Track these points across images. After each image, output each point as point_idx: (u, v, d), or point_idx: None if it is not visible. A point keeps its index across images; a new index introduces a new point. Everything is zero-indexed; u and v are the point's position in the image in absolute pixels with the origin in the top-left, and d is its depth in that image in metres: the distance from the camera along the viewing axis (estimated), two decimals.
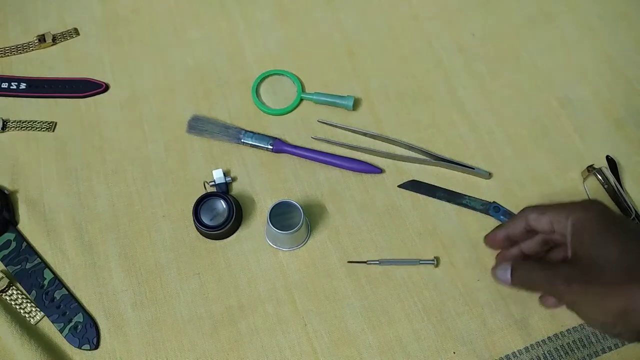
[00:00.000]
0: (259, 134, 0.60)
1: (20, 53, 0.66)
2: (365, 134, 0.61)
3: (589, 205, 0.43)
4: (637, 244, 0.40)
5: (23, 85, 0.64)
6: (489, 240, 0.51)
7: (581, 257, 0.41)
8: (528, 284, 0.45)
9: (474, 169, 0.59)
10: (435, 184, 0.59)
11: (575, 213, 0.43)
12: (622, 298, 0.39)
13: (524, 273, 0.45)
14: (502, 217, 0.57)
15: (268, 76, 0.65)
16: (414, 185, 0.59)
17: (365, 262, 0.55)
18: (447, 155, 0.60)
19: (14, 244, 0.56)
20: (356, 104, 0.63)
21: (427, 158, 0.60)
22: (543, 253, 0.49)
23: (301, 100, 0.63)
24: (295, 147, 0.60)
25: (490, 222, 0.57)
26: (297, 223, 0.52)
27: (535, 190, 0.59)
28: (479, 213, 0.58)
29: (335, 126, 0.61)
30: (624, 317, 0.39)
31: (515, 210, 0.58)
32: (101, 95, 0.64)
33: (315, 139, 0.61)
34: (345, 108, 0.62)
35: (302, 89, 0.64)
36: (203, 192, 0.58)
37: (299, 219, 0.52)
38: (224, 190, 0.58)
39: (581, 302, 0.42)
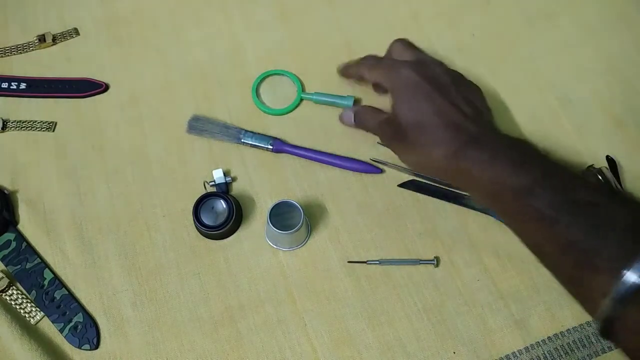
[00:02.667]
0: (259, 134, 0.60)
1: (20, 53, 0.66)
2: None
3: (402, 70, 0.51)
4: (440, 104, 0.49)
5: (23, 85, 0.64)
6: (341, 73, 0.62)
7: (395, 114, 0.51)
8: (364, 125, 0.57)
9: None
10: (435, 184, 0.59)
11: (392, 75, 0.52)
12: (416, 155, 0.50)
13: (360, 117, 0.58)
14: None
15: (268, 76, 0.65)
16: (414, 185, 0.59)
17: (365, 262, 0.55)
18: None
19: (14, 244, 0.56)
20: (356, 104, 0.63)
21: None
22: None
23: (301, 100, 0.63)
24: (295, 147, 0.60)
25: (491, 222, 0.57)
26: (297, 223, 0.52)
27: None
28: (479, 213, 0.58)
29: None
30: (422, 170, 0.55)
31: None
32: (101, 95, 0.64)
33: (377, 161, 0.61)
34: (345, 108, 0.62)
35: (302, 88, 0.64)
36: (203, 192, 0.58)
37: (299, 219, 0.52)
38: (224, 190, 0.58)
39: (396, 150, 0.53)
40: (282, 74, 0.65)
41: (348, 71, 0.61)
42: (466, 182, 0.48)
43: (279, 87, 0.65)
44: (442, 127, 0.47)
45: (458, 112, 0.48)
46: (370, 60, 0.57)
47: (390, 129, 0.52)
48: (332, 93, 0.62)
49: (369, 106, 0.58)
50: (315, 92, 0.63)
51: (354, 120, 0.58)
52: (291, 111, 0.63)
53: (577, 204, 0.40)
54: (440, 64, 0.54)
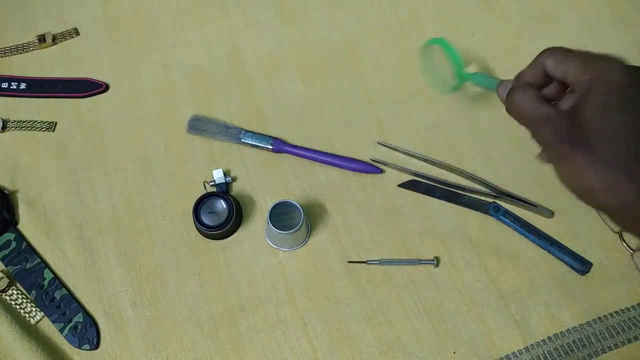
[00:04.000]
0: (259, 134, 0.60)
1: (20, 53, 0.66)
2: (426, 160, 0.60)
3: (613, 66, 0.38)
4: (635, 109, 0.36)
5: (23, 85, 0.64)
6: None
7: (584, 118, 0.37)
8: (518, 111, 0.41)
9: (536, 206, 0.57)
10: (435, 184, 0.59)
11: (594, 71, 0.38)
12: (605, 178, 0.36)
13: (518, 97, 0.41)
14: (502, 217, 0.57)
15: (432, 44, 0.60)
16: (414, 185, 0.59)
17: (365, 262, 0.55)
18: (507, 189, 0.58)
19: (14, 244, 0.56)
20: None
21: (487, 190, 0.58)
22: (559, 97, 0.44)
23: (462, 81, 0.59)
24: (295, 147, 0.60)
25: (491, 222, 0.57)
26: (297, 223, 0.52)
27: (534, 190, 0.58)
28: (479, 213, 0.58)
29: (395, 149, 0.60)
30: (593, 196, 0.37)
31: (513, 210, 0.58)
32: (101, 95, 0.64)
33: (378, 160, 0.60)
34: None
35: (462, 66, 0.59)
36: (203, 192, 0.58)
37: (299, 219, 0.52)
38: (224, 190, 0.58)
39: (563, 162, 0.38)
40: (443, 46, 0.60)
41: (526, 75, 0.44)
42: None
43: (437, 60, 0.61)
44: None
45: None
46: (556, 52, 0.43)
47: (568, 128, 0.38)
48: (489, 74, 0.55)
49: (531, 87, 0.43)
50: (476, 73, 0.54)
51: (506, 101, 0.42)
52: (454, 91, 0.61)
53: None
54: (621, 63, 0.41)
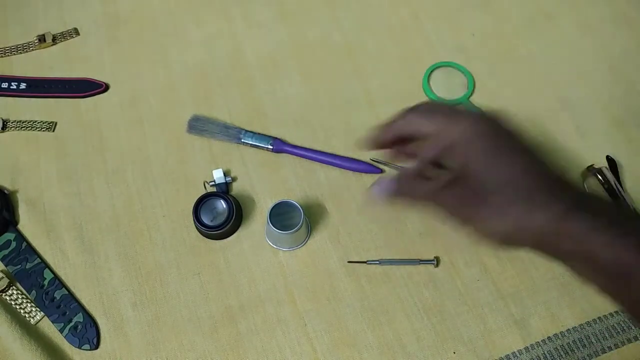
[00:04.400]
0: (259, 134, 0.60)
1: (20, 53, 0.66)
2: None
3: (479, 119, 0.40)
4: (526, 162, 0.39)
5: (23, 85, 0.64)
6: (373, 144, 0.45)
7: (468, 173, 0.39)
8: (412, 196, 0.42)
9: None
10: None
11: (463, 125, 0.40)
12: (509, 219, 0.38)
13: (405, 185, 0.42)
14: None
15: (440, 67, 0.65)
16: None
17: (365, 262, 0.55)
18: None
19: (14, 244, 0.56)
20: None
21: None
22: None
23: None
24: (295, 147, 0.60)
25: None
26: (297, 223, 0.52)
27: None
28: None
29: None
30: (510, 237, 0.39)
31: None
32: (101, 95, 0.64)
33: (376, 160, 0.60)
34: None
35: (471, 92, 0.64)
36: (203, 192, 0.58)
37: (299, 219, 0.52)
38: (224, 190, 0.58)
39: (471, 218, 0.40)
40: (456, 68, 0.65)
41: (385, 135, 0.45)
42: (579, 253, 0.38)
43: (449, 80, 0.65)
44: (543, 183, 0.38)
45: (545, 166, 0.39)
46: (414, 112, 0.43)
47: (459, 193, 0.40)
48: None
49: (411, 169, 0.43)
50: (476, 107, 0.61)
51: (396, 191, 0.42)
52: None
53: None
54: (485, 114, 0.43)
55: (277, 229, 0.52)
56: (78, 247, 0.56)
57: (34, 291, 0.54)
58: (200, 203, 0.55)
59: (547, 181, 0.39)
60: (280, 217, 0.54)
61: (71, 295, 0.54)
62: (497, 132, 0.40)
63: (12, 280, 0.55)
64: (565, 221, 0.37)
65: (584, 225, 0.37)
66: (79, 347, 0.52)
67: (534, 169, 0.39)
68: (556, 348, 0.52)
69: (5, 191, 0.58)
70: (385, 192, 0.42)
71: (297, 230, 0.52)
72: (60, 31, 0.67)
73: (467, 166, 0.39)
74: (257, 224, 0.58)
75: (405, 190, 0.42)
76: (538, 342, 0.52)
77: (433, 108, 0.42)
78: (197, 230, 0.57)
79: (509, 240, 0.40)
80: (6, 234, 0.56)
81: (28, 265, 0.55)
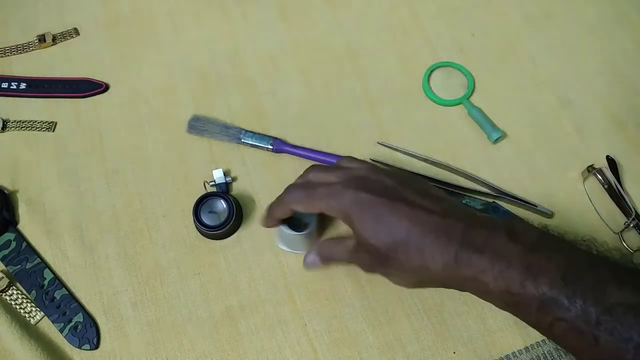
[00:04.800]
0: (259, 134, 0.60)
1: (20, 53, 0.66)
2: (426, 160, 0.60)
3: (345, 193, 0.44)
4: (408, 216, 0.42)
5: (23, 85, 0.64)
6: (267, 221, 0.52)
7: (364, 241, 0.44)
8: (333, 261, 0.50)
9: (536, 206, 0.56)
10: (435, 184, 0.59)
11: (337, 202, 0.45)
12: (409, 277, 0.44)
13: (326, 252, 0.49)
14: (502, 217, 0.57)
15: (440, 67, 0.65)
16: None
17: None
18: (509, 190, 0.58)
19: (14, 244, 0.56)
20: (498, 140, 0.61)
21: (487, 190, 0.58)
22: None
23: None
24: (296, 147, 0.60)
25: None
26: (309, 222, 0.52)
27: (534, 190, 0.58)
28: None
29: (395, 149, 0.60)
30: (418, 285, 0.46)
31: (514, 211, 0.58)
32: (101, 95, 0.64)
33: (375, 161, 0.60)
34: (487, 138, 0.60)
35: (471, 92, 0.64)
36: (203, 192, 0.58)
37: (310, 218, 0.52)
38: (224, 190, 0.58)
39: (385, 275, 0.46)
40: (454, 67, 0.65)
41: (274, 215, 0.50)
42: (477, 288, 0.42)
43: (448, 80, 0.65)
44: (427, 236, 0.41)
45: (429, 213, 0.42)
46: (297, 192, 0.48)
47: (366, 256, 0.45)
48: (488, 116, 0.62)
49: (331, 238, 0.51)
50: (476, 107, 0.62)
51: (320, 259, 0.49)
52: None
53: (612, 312, 0.36)
54: (371, 167, 0.48)
55: (291, 231, 0.51)
56: (78, 247, 0.56)
57: (34, 291, 0.54)
58: (200, 203, 0.55)
59: (432, 227, 0.42)
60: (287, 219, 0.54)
61: (71, 295, 0.54)
62: (372, 192, 0.44)
63: (12, 280, 0.55)
64: (455, 268, 0.41)
65: (472, 269, 0.41)
66: (79, 347, 0.52)
67: (417, 219, 0.42)
68: (556, 348, 0.52)
69: (5, 191, 0.58)
70: (313, 263, 0.50)
71: (312, 232, 0.52)
72: (60, 31, 0.67)
73: (359, 235, 0.44)
74: (257, 224, 0.58)
75: (327, 256, 0.49)
76: (538, 342, 0.52)
77: (308, 186, 0.47)
78: (197, 230, 0.57)
79: (420, 286, 0.47)
80: (6, 234, 0.56)
81: (28, 265, 0.55)
